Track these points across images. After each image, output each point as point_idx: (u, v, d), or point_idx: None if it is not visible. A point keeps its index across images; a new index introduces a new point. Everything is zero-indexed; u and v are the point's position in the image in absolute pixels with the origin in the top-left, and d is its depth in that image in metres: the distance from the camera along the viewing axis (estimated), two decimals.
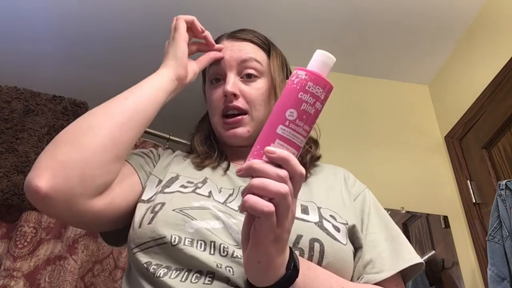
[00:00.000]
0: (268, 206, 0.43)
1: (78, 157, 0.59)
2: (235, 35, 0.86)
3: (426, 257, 1.72)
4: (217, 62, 0.83)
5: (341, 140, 1.99)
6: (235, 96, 0.79)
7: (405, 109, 2.20)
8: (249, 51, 0.83)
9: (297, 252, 0.59)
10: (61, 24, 2.18)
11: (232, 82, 0.79)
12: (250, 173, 0.46)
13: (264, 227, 0.45)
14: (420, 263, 0.69)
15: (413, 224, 1.82)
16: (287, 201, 0.44)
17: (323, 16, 2.04)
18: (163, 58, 0.78)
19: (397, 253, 0.70)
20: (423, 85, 2.31)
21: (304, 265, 0.56)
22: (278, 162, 0.45)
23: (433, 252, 1.74)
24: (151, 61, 2.58)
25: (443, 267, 1.70)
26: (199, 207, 0.64)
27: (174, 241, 0.59)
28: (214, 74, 0.84)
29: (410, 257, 0.69)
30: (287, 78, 0.89)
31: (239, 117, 0.79)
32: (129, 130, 0.66)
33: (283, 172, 0.44)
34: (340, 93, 2.21)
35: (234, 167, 0.80)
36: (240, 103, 0.79)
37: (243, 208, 0.45)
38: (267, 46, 0.87)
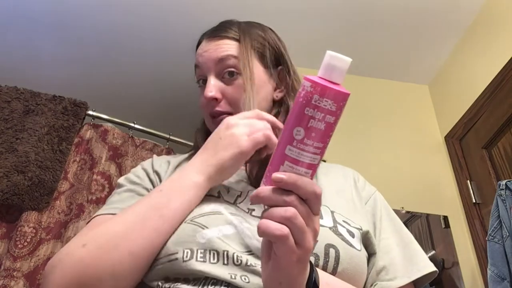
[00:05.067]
0: (280, 229, 0.43)
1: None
2: (211, 34, 0.83)
3: None
4: (198, 64, 0.81)
5: (341, 140, 1.99)
6: (216, 100, 0.77)
7: (405, 109, 2.20)
8: (225, 48, 0.79)
9: (312, 258, 0.58)
10: (61, 24, 2.18)
11: (212, 85, 0.77)
12: (259, 202, 0.46)
13: (282, 250, 0.44)
14: (434, 271, 0.69)
15: (413, 224, 1.82)
16: (296, 224, 0.44)
17: (323, 16, 2.04)
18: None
19: (411, 260, 0.69)
20: (423, 85, 2.31)
21: (323, 279, 0.55)
22: (286, 188, 0.44)
23: (433, 252, 1.74)
24: (151, 61, 2.60)
25: (443, 267, 1.70)
26: (211, 212, 0.62)
27: (186, 257, 0.57)
28: (199, 77, 0.82)
29: (424, 265, 0.69)
30: (268, 62, 0.82)
31: (223, 115, 0.76)
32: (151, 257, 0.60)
33: (289, 198, 0.44)
34: None
35: None
36: (222, 107, 0.77)
37: (259, 233, 0.45)
38: (240, 34, 0.81)
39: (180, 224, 0.60)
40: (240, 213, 0.64)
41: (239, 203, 0.67)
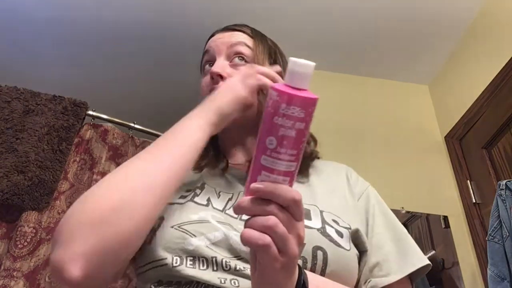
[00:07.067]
0: (262, 239, 0.43)
1: (115, 242, 0.53)
2: (225, 27, 0.87)
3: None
4: (209, 49, 0.84)
5: (341, 140, 1.99)
6: (221, 77, 0.78)
7: (405, 109, 2.20)
8: (239, 37, 0.83)
9: (299, 262, 0.58)
10: (61, 24, 2.18)
11: (219, 65, 0.79)
12: (241, 213, 0.46)
13: (266, 259, 0.45)
14: (428, 264, 0.69)
15: (413, 224, 1.82)
16: (277, 232, 0.44)
17: (323, 16, 2.04)
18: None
19: (405, 255, 0.69)
20: (423, 85, 2.31)
21: (313, 282, 0.55)
22: (265, 198, 0.45)
23: (433, 252, 1.74)
24: (152, 61, 2.59)
25: (443, 267, 1.70)
26: (198, 221, 0.63)
27: (176, 263, 0.59)
28: (206, 61, 0.84)
29: (418, 258, 0.69)
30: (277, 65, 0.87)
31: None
32: (167, 199, 0.60)
33: (269, 207, 0.44)
34: (340, 93, 2.22)
35: (232, 167, 0.79)
36: None
37: (242, 242, 0.45)
38: (254, 35, 0.86)
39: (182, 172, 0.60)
40: (228, 220, 0.64)
41: (229, 208, 0.67)
